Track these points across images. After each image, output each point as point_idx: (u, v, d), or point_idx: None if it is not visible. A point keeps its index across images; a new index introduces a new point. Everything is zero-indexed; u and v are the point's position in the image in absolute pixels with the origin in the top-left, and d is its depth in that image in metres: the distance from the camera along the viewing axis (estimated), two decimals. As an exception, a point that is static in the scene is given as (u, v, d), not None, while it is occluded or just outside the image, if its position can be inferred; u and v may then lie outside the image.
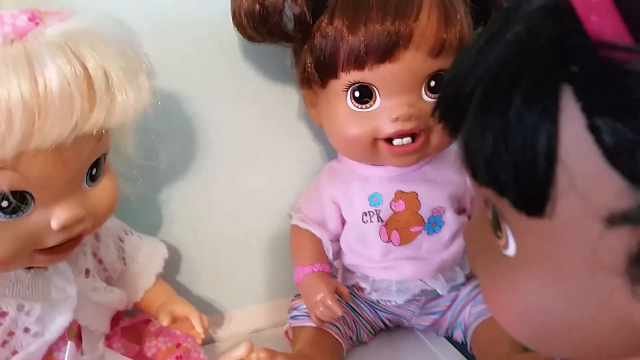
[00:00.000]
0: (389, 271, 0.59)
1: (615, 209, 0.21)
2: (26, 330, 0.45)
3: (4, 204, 0.37)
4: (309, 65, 0.52)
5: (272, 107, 0.62)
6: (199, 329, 0.54)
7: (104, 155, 0.43)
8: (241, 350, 0.53)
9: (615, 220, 0.21)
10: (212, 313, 0.66)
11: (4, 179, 0.35)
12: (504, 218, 0.26)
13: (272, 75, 0.61)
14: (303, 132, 0.64)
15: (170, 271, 0.60)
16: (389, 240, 0.58)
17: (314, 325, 0.59)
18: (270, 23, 0.50)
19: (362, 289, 0.62)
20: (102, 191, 0.43)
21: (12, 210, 0.37)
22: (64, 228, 0.39)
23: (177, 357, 0.55)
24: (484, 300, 0.29)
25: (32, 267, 0.44)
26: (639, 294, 0.23)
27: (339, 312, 0.56)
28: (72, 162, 0.38)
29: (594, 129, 0.21)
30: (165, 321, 0.53)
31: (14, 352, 0.45)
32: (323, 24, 0.50)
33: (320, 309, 0.56)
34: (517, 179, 0.23)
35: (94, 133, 0.37)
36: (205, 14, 0.56)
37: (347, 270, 0.62)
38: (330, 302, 0.56)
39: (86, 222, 0.41)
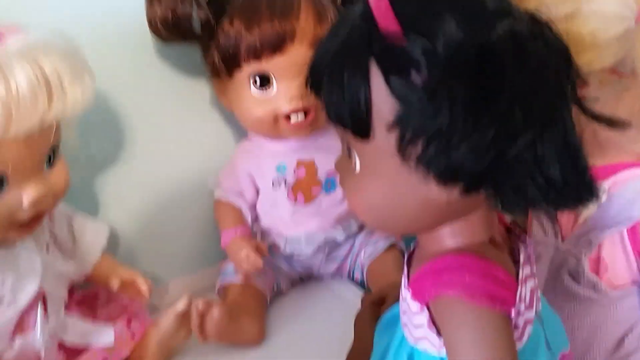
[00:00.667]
0: (298, 226, 0.72)
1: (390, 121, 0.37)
2: (1, 299, 0.53)
3: (-16, 186, 0.46)
4: (217, 59, 0.64)
5: (189, 97, 0.73)
6: (143, 287, 0.64)
7: (58, 143, 0.52)
8: (182, 304, 0.64)
9: (390, 127, 0.36)
10: (153, 284, 0.75)
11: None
12: (352, 146, 0.41)
13: (186, 70, 0.72)
14: (217, 117, 0.76)
15: (110, 250, 0.69)
16: (296, 201, 0.71)
17: (239, 282, 0.71)
18: (182, 28, 0.62)
19: (277, 246, 0.74)
20: (58, 173, 0.52)
21: (-9, 191, 0.46)
22: (33, 204, 0.49)
23: (127, 319, 0.64)
24: (347, 203, 0.44)
25: (2, 244, 0.53)
26: (425, 177, 0.37)
27: (260, 264, 0.68)
28: (38, 148, 0.48)
29: (388, 82, 0.36)
30: (115, 284, 0.62)
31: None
32: (225, 25, 0.63)
33: (244, 263, 0.68)
34: (352, 117, 0.38)
35: (54, 124, 0.47)
36: (123, 22, 0.66)
37: (264, 232, 0.75)
38: (252, 256, 0.68)
39: (49, 199, 0.51)
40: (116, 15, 0.66)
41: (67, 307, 0.62)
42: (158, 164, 0.73)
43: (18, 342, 0.55)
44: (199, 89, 0.73)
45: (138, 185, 0.72)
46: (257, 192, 0.73)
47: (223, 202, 0.72)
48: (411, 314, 0.44)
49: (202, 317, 0.62)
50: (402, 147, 0.37)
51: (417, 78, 0.35)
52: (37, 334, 0.55)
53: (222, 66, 0.64)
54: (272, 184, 0.71)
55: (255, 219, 0.74)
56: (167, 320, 0.64)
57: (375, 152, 0.39)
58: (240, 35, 0.62)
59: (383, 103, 0.36)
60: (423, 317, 0.43)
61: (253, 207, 0.73)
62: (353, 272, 0.78)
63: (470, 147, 0.35)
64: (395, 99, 0.36)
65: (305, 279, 0.79)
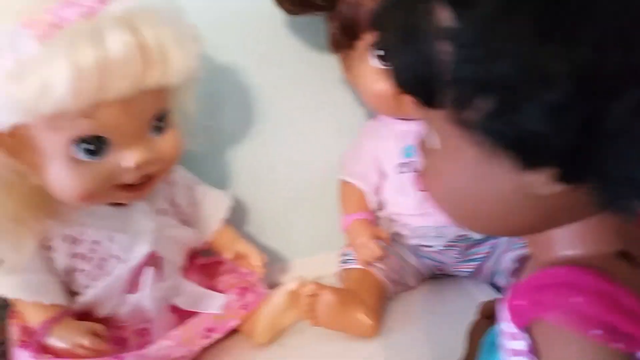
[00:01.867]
0: (425, 218, 0.65)
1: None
2: (114, 256, 0.57)
3: (87, 146, 0.48)
4: (338, 29, 0.59)
5: (321, 75, 0.70)
6: (256, 262, 0.63)
7: (167, 112, 0.53)
8: (293, 284, 0.62)
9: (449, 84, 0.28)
10: (276, 262, 0.74)
11: (84, 125, 0.46)
12: (431, 123, 0.33)
13: (313, 43, 0.69)
14: (345, 93, 0.72)
15: (235, 221, 0.69)
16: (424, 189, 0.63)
17: (360, 267, 0.66)
18: None
19: (403, 236, 0.68)
20: (166, 141, 0.53)
21: (94, 152, 0.48)
22: (134, 167, 0.50)
23: (242, 288, 0.64)
24: (426, 189, 0.36)
25: (117, 205, 0.56)
26: (523, 168, 0.28)
27: (378, 253, 0.63)
28: (137, 113, 0.49)
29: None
30: (228, 256, 0.63)
31: (106, 275, 0.57)
32: None
33: (362, 250, 0.64)
34: (411, 74, 0.31)
35: (152, 90, 0.48)
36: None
37: (389, 219, 0.68)
38: (370, 244, 0.63)
39: (153, 165, 0.52)
40: None
41: (187, 271, 0.64)
42: (288, 140, 0.72)
43: (131, 299, 0.58)
44: (331, 67, 0.69)
45: (268, 160, 0.72)
46: (383, 175, 0.67)
47: (347, 183, 0.68)
48: (509, 336, 0.35)
49: (313, 299, 0.59)
50: (459, 110, 0.29)
51: (473, 9, 0.27)
52: (146, 294, 0.58)
53: (343, 36, 0.59)
54: (399, 167, 0.64)
55: (381, 204, 0.68)
56: (277, 298, 0.63)
57: (448, 125, 0.31)
58: (360, 3, 0.56)
59: (443, 53, 0.28)
60: (522, 343, 0.34)
61: (377, 192, 0.68)
62: (494, 277, 0.67)
63: (544, 107, 0.25)
64: (448, 40, 0.28)
65: (439, 275, 0.71)
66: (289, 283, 0.62)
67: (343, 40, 0.60)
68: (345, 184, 0.69)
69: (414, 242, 0.67)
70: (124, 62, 0.45)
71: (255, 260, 0.64)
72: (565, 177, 0.28)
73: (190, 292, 0.62)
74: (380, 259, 0.64)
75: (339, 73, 0.69)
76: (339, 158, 0.70)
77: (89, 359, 0.53)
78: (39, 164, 0.49)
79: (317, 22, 0.64)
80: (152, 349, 0.56)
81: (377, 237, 0.65)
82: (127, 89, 0.46)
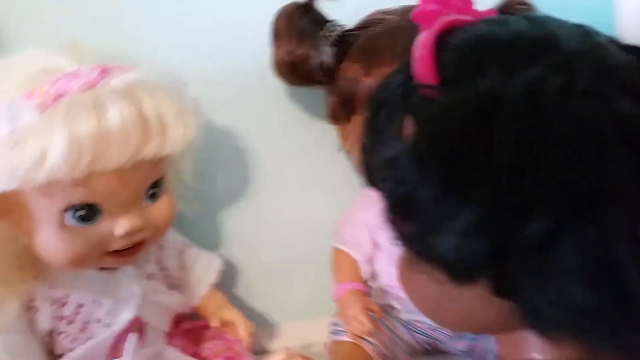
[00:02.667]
0: (419, 292, 0.64)
1: None
2: (98, 321, 0.55)
3: (80, 213, 0.47)
4: (336, 103, 0.60)
5: (312, 141, 0.70)
6: (242, 332, 0.61)
7: (162, 178, 0.52)
8: (278, 356, 0.60)
9: None
10: (264, 325, 0.73)
11: (77, 193, 0.46)
12: None
13: (312, 113, 0.69)
14: (341, 163, 0.71)
15: (226, 284, 0.69)
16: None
17: (350, 340, 0.65)
18: (301, 70, 0.59)
19: (395, 309, 0.66)
20: (159, 208, 0.53)
21: (86, 219, 0.48)
22: (126, 235, 0.49)
23: (227, 358, 0.62)
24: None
25: (105, 269, 0.55)
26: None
27: (368, 327, 0.61)
28: (132, 183, 0.48)
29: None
30: (214, 323, 0.61)
31: (89, 338, 0.55)
32: (344, 68, 0.58)
33: (353, 323, 0.62)
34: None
35: (149, 160, 0.47)
36: (253, 62, 0.66)
37: (381, 291, 0.67)
38: (361, 317, 0.62)
39: (145, 232, 0.51)
40: (240, 54, 0.66)
41: (171, 336, 0.63)
42: (281, 205, 0.71)
43: (112, 365, 0.57)
44: (325, 133, 0.69)
45: (260, 224, 0.71)
46: (376, 246, 0.66)
47: (340, 250, 0.67)
48: None
49: (298, 374, 0.57)
50: (390, 219, 0.32)
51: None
52: (128, 361, 0.56)
53: (341, 109, 0.60)
54: (393, 238, 0.63)
55: (373, 274, 0.67)
56: (262, 369, 0.61)
57: None
58: (359, 80, 0.57)
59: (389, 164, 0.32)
60: None
61: (371, 262, 0.67)
62: (488, 356, 0.66)
63: (450, 237, 0.28)
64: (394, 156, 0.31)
65: (431, 352, 0.69)
66: (276, 354, 0.60)
67: (341, 113, 0.60)
68: (338, 252, 0.68)
69: (406, 316, 0.66)
70: (122, 134, 0.45)
71: (242, 329, 0.62)
72: (497, 292, 0.30)
73: None
74: (371, 333, 0.63)
75: (336, 141, 0.69)
76: (333, 225, 0.69)
77: None
78: (30, 227, 0.48)
79: (317, 92, 0.64)
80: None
81: (369, 310, 0.63)
82: (123, 160, 0.45)
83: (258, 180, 0.70)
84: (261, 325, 0.71)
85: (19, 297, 0.52)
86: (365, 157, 0.34)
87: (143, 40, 0.64)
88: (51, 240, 0.48)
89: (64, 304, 0.54)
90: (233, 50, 0.66)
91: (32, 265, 0.51)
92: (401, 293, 0.64)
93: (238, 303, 0.69)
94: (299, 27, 0.59)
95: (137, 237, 0.51)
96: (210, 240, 0.70)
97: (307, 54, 0.58)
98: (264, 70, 0.62)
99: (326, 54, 0.58)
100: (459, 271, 0.30)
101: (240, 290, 0.72)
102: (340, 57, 0.59)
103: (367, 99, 0.34)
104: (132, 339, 0.56)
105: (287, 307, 0.74)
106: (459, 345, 0.66)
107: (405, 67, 0.31)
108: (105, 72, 0.46)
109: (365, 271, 0.66)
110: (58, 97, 0.44)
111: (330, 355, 0.66)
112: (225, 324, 0.63)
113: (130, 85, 0.47)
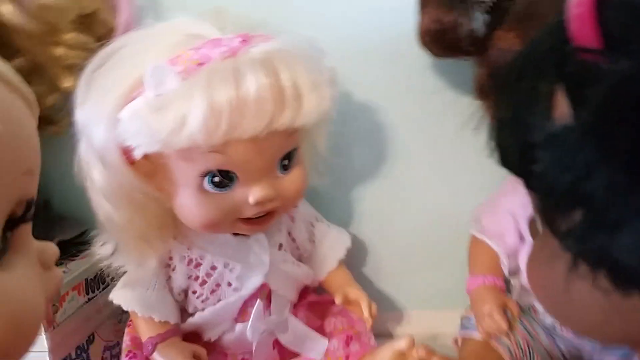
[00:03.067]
0: (566, 295, 0.57)
1: None
2: (229, 284, 0.57)
3: (216, 179, 0.48)
4: (485, 76, 0.54)
5: (456, 118, 0.64)
6: (366, 313, 0.60)
7: (295, 150, 0.51)
8: (402, 343, 0.57)
9: None
10: (391, 309, 0.70)
11: (215, 160, 0.47)
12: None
13: (457, 87, 0.64)
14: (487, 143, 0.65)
15: (356, 263, 0.67)
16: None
17: (481, 338, 0.60)
18: (448, 40, 0.54)
19: (537, 311, 0.60)
20: (291, 179, 0.52)
21: (221, 185, 0.49)
22: (257, 203, 0.49)
23: (348, 336, 0.61)
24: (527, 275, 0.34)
25: (238, 235, 0.56)
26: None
27: (504, 326, 0.56)
28: (266, 152, 0.48)
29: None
30: (338, 300, 0.60)
31: (219, 300, 0.57)
32: (498, 38, 0.52)
33: (487, 320, 0.58)
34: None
35: (284, 130, 0.46)
36: (393, 34, 0.62)
37: (524, 289, 0.61)
38: (496, 315, 0.57)
39: (276, 202, 0.51)
40: (381, 25, 0.63)
41: (297, 307, 0.63)
42: (417, 185, 0.68)
43: (238, 327, 0.58)
44: (474, 111, 0.63)
45: (394, 204, 0.68)
46: (522, 238, 0.60)
47: (478, 240, 0.62)
48: None
49: (421, 364, 0.55)
50: (546, 213, 0.27)
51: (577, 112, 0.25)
52: (254, 325, 0.57)
53: (490, 84, 0.54)
54: (541, 233, 0.57)
55: (516, 270, 0.61)
56: (383, 354, 0.59)
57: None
58: (513, 50, 0.50)
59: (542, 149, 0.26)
60: None
61: (514, 255, 0.61)
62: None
63: (637, 226, 0.22)
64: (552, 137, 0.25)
65: (574, 361, 0.62)
66: (399, 341, 0.58)
67: (490, 88, 0.54)
68: (477, 241, 0.63)
69: (549, 320, 0.59)
70: (258, 104, 0.44)
71: (365, 308, 0.60)
72: None
73: (296, 331, 0.60)
74: (506, 333, 0.57)
75: (482, 119, 0.64)
76: (473, 211, 0.64)
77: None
78: (171, 190, 0.50)
79: (463, 64, 0.59)
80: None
81: (506, 308, 0.58)
82: (259, 129, 0.45)
83: (394, 157, 0.67)
84: (388, 309, 0.69)
85: (158, 255, 0.54)
86: (504, 136, 0.30)
87: (284, 8, 0.63)
88: (189, 203, 0.50)
89: (198, 265, 0.56)
90: (374, 18, 0.63)
91: (171, 225, 0.54)
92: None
93: (365, 283, 0.67)
94: None
95: (269, 207, 0.51)
96: (341, 216, 0.68)
97: (457, 21, 0.53)
98: (406, 40, 0.58)
99: (477, 21, 0.52)
100: (636, 278, 0.24)
101: (368, 270, 0.70)
102: (493, 25, 0.53)
103: (507, 67, 0.30)
104: (259, 304, 0.57)
105: (416, 294, 0.71)
106: (609, 359, 0.59)
107: (556, 29, 0.26)
108: (246, 40, 0.46)
109: (505, 265, 0.60)
110: (200, 64, 0.44)
111: (457, 352, 0.62)
112: (348, 302, 0.62)
113: (269, 54, 0.46)
